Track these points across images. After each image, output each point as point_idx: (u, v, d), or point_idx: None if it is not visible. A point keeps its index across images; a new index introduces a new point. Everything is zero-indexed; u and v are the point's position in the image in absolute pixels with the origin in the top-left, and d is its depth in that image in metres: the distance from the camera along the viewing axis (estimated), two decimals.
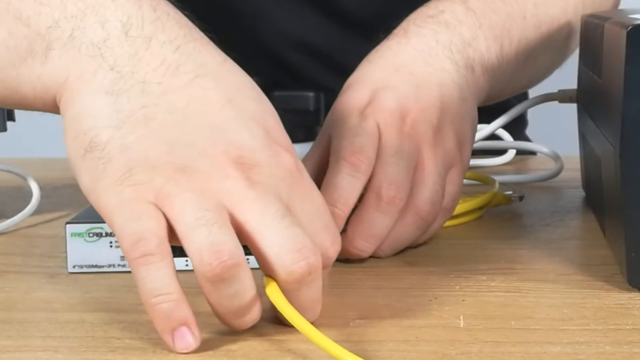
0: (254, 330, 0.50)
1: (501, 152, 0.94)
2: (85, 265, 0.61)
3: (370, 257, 0.62)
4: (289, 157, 0.50)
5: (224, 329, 0.50)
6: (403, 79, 0.66)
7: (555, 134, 1.07)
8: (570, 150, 0.87)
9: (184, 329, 0.47)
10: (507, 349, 0.48)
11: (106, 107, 0.49)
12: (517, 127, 1.04)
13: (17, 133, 0.87)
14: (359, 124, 0.63)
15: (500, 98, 0.77)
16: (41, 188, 0.77)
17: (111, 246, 0.60)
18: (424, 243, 0.66)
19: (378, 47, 0.69)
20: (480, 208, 0.73)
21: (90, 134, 0.49)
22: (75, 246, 0.60)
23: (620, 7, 0.90)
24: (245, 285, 0.48)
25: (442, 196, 0.63)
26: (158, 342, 0.48)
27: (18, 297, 0.57)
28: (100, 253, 0.60)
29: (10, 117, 0.77)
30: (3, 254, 0.66)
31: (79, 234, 0.60)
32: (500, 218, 0.73)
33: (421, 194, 0.62)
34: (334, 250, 0.51)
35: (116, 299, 0.56)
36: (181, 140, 0.49)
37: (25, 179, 0.78)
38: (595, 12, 0.74)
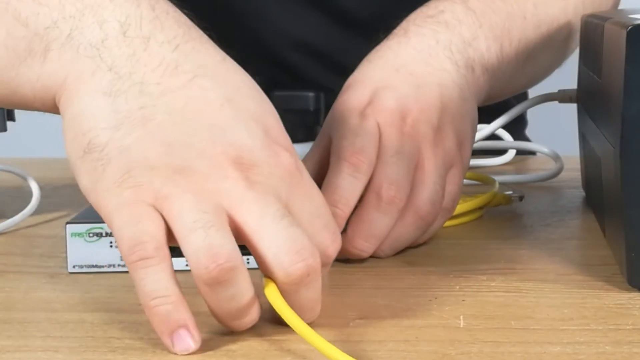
0: (254, 330, 0.50)
1: (501, 152, 0.94)
2: (85, 265, 0.61)
3: (370, 257, 0.62)
4: (288, 156, 0.50)
5: (223, 329, 0.50)
6: (403, 79, 0.66)
7: (555, 134, 1.07)
8: (570, 150, 0.87)
9: (183, 331, 0.47)
10: (507, 349, 0.48)
11: (104, 108, 0.49)
12: (516, 127, 1.04)
13: (17, 133, 0.87)
14: (360, 124, 0.63)
15: (500, 98, 0.77)
16: (41, 188, 0.77)
17: (111, 246, 0.60)
18: (424, 243, 0.66)
19: (378, 47, 0.69)
20: (480, 208, 0.73)
21: (89, 135, 0.49)
22: (75, 246, 0.60)
23: (620, 7, 0.90)
24: (243, 288, 0.47)
25: (442, 196, 0.63)
26: (158, 342, 0.48)
27: (18, 297, 0.57)
28: (100, 253, 0.60)
29: (10, 117, 0.77)
30: (3, 254, 0.66)
31: (79, 234, 0.60)
32: (500, 218, 0.73)
33: (421, 194, 0.62)
34: (333, 249, 0.51)
35: (116, 299, 0.56)
36: (180, 141, 0.49)
37: (25, 179, 0.78)
38: (595, 12, 0.74)
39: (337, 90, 0.68)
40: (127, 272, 0.48)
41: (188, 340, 0.47)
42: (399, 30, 0.70)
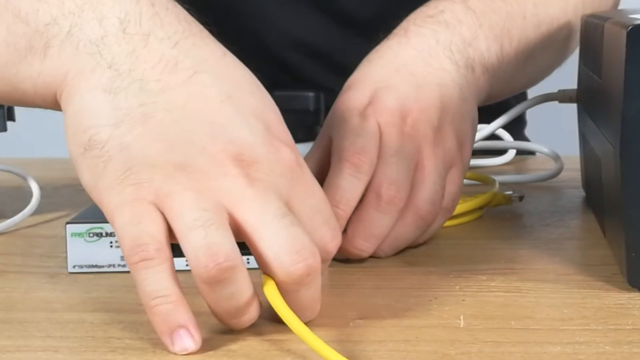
0: (254, 330, 0.50)
1: (501, 152, 0.94)
2: (85, 265, 0.61)
3: (370, 257, 0.62)
4: (289, 152, 0.50)
5: (224, 329, 0.50)
6: (403, 79, 0.66)
7: (555, 134, 1.07)
8: (570, 150, 0.87)
9: (183, 331, 0.47)
10: (507, 349, 0.48)
11: (104, 105, 0.49)
12: (516, 127, 1.04)
13: (17, 133, 0.87)
14: (360, 124, 0.63)
15: (500, 98, 0.77)
16: (41, 188, 0.77)
17: (111, 246, 0.60)
18: (424, 243, 0.66)
19: (378, 47, 0.69)
20: (480, 208, 0.73)
21: (90, 132, 0.49)
22: (75, 246, 0.60)
23: (620, 7, 0.90)
24: (242, 287, 0.48)
25: (442, 196, 0.63)
26: (158, 342, 0.48)
27: (18, 297, 0.57)
28: (100, 253, 0.60)
29: (10, 117, 0.77)
30: (3, 254, 0.66)
31: (79, 234, 0.60)
32: (500, 218, 0.73)
33: (421, 194, 0.62)
34: (333, 245, 0.51)
35: (116, 299, 0.56)
36: (180, 138, 0.49)
37: (25, 179, 0.78)
38: (595, 12, 0.74)
39: (337, 90, 0.68)
40: (127, 272, 0.48)
41: (187, 340, 0.47)
42: (399, 30, 0.70)
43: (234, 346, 0.49)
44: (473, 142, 0.68)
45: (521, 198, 0.76)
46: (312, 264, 0.48)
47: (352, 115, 0.63)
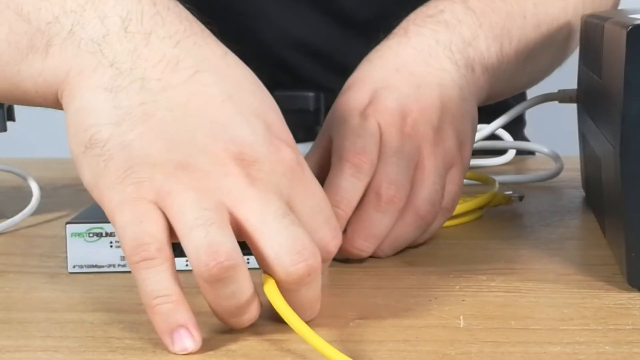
0: (254, 330, 0.50)
1: (501, 152, 0.94)
2: (85, 265, 0.61)
3: (370, 257, 0.62)
4: (289, 151, 0.50)
5: (224, 329, 0.50)
6: (403, 78, 0.66)
7: (555, 134, 1.07)
8: (570, 150, 0.87)
9: (183, 331, 0.47)
10: (507, 349, 0.48)
11: (106, 104, 0.49)
12: (515, 127, 1.04)
13: (17, 133, 0.87)
14: (361, 125, 0.63)
15: (500, 98, 0.77)
16: (41, 188, 0.77)
17: (111, 246, 0.60)
18: (424, 243, 0.66)
19: (378, 47, 0.69)
20: (480, 208, 0.73)
21: (91, 131, 0.49)
22: (75, 246, 0.60)
23: (620, 7, 0.90)
24: (243, 286, 0.48)
25: (441, 196, 0.63)
26: (158, 342, 0.48)
27: (18, 297, 0.57)
28: (100, 253, 0.60)
29: (11, 117, 0.77)
30: (3, 254, 0.66)
31: (79, 234, 0.60)
32: (500, 218, 0.73)
33: (421, 194, 0.62)
34: (334, 245, 0.51)
35: (116, 299, 0.56)
36: (181, 137, 0.49)
37: (25, 179, 0.78)
38: (595, 12, 0.74)
39: (337, 90, 0.68)
40: (127, 272, 0.48)
41: (187, 340, 0.47)
42: (398, 30, 0.70)
43: (234, 346, 0.49)
44: (473, 141, 0.68)
45: (521, 198, 0.76)
46: (313, 264, 0.48)
47: (352, 115, 0.63)
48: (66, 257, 0.61)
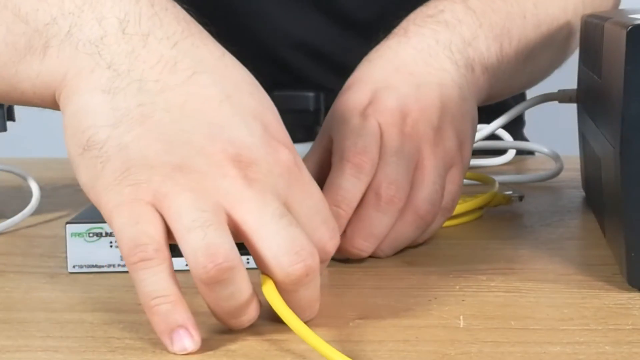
0: (254, 330, 0.50)
1: (501, 152, 0.94)
2: (85, 265, 0.61)
3: (370, 257, 0.62)
4: (287, 153, 0.50)
5: (223, 329, 0.50)
6: (403, 78, 0.66)
7: (555, 134, 1.07)
8: (570, 150, 0.87)
9: (182, 331, 0.47)
10: (507, 349, 0.48)
11: (103, 105, 0.49)
12: (515, 127, 1.04)
13: (17, 133, 0.87)
14: (361, 124, 0.63)
15: (500, 98, 0.77)
16: (41, 188, 0.77)
17: (111, 246, 0.60)
18: (424, 243, 0.66)
19: (378, 47, 0.69)
20: (480, 208, 0.73)
21: (88, 133, 0.49)
22: (75, 246, 0.60)
23: (620, 7, 0.90)
24: (241, 287, 0.48)
25: (441, 196, 0.63)
26: (158, 342, 0.48)
27: (18, 297, 0.57)
28: (100, 253, 0.60)
29: (10, 117, 0.77)
30: (3, 254, 0.66)
31: (79, 234, 0.60)
32: (500, 218, 0.73)
33: (420, 194, 0.62)
34: (332, 245, 0.51)
35: (116, 299, 0.56)
36: (179, 138, 0.49)
37: (25, 179, 0.78)
38: (595, 12, 0.74)
39: (337, 90, 0.68)
40: (127, 272, 0.48)
41: (186, 340, 0.47)
42: (398, 30, 0.70)
43: (233, 346, 0.49)
44: (473, 141, 0.68)
45: (521, 198, 0.76)
46: (311, 265, 0.48)
47: (352, 115, 0.63)
48: (66, 257, 0.61)
